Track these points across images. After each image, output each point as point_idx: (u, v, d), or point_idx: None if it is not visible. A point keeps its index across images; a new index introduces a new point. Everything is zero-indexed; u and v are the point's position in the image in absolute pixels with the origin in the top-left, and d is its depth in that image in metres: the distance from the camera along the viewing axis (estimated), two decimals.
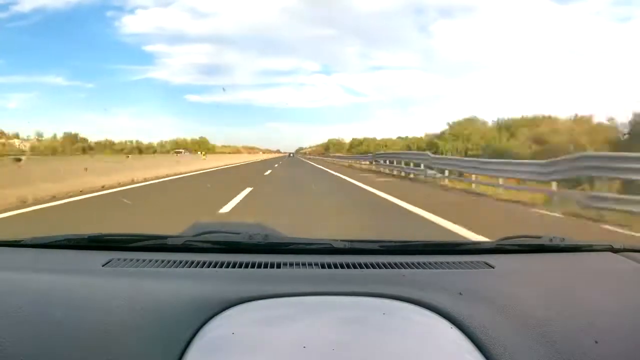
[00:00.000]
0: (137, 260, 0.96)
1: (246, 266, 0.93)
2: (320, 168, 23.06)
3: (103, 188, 8.70)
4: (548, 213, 6.08)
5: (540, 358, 0.59)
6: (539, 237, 1.14)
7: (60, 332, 0.63)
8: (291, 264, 0.95)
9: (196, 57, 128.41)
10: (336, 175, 15.47)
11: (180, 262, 0.94)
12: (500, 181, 8.67)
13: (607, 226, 5.02)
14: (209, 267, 0.92)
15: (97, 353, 0.58)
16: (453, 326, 0.66)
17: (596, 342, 0.63)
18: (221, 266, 0.93)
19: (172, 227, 4.03)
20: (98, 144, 53.48)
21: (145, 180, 11.12)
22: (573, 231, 4.79)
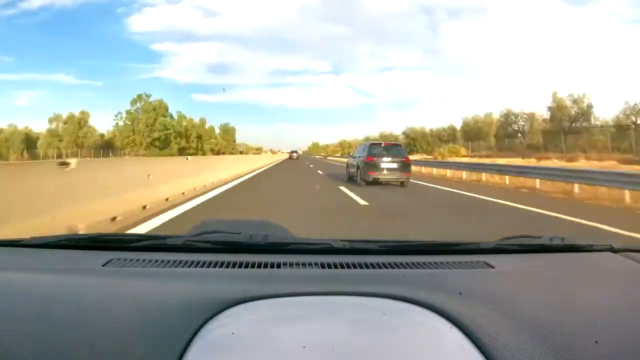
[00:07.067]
0: (137, 260, 0.96)
1: (246, 266, 0.93)
2: None
3: None
4: None
5: (540, 358, 0.59)
6: (539, 237, 1.14)
7: (61, 332, 0.63)
8: (291, 264, 0.95)
9: (205, 55, 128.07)
10: None
11: (180, 262, 0.94)
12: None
13: None
14: (208, 267, 0.92)
15: (97, 353, 0.58)
16: (453, 326, 0.66)
17: (596, 342, 0.63)
18: (221, 266, 0.92)
19: None
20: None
21: None
22: None
